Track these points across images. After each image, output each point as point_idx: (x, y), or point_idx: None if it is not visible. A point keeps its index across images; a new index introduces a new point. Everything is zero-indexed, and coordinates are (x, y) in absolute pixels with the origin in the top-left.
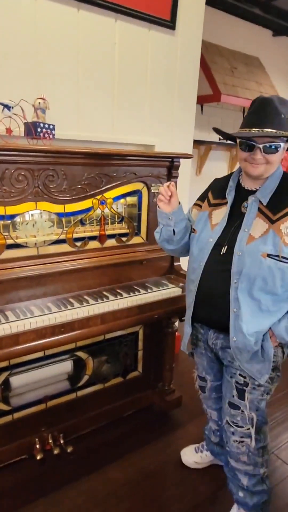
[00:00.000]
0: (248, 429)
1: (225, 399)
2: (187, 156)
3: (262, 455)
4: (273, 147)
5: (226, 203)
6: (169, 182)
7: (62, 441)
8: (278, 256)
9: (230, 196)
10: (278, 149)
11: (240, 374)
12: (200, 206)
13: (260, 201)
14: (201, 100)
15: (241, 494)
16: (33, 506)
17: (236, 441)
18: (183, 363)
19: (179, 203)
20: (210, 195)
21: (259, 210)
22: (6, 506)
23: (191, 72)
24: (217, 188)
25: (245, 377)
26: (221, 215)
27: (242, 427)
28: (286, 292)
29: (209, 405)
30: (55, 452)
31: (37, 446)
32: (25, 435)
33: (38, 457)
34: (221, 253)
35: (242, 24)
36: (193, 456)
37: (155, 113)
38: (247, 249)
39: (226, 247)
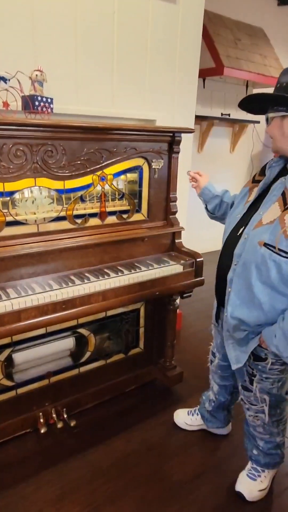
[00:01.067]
0: (262, 407)
1: (239, 382)
2: (188, 131)
3: (277, 426)
4: (267, 118)
5: None
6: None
7: (65, 416)
8: (274, 247)
9: (269, 171)
10: (271, 121)
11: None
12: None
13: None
14: (203, 74)
15: (255, 452)
16: (38, 477)
17: (251, 415)
18: (185, 340)
19: (207, 182)
20: (258, 171)
21: (283, 194)
22: (11, 478)
23: (193, 44)
24: (268, 163)
25: (253, 369)
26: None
27: (255, 405)
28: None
29: (214, 379)
30: (59, 426)
31: (41, 420)
32: (29, 410)
33: (42, 431)
34: (238, 233)
35: None
36: (184, 417)
37: (155, 86)
38: (252, 233)
39: (244, 227)
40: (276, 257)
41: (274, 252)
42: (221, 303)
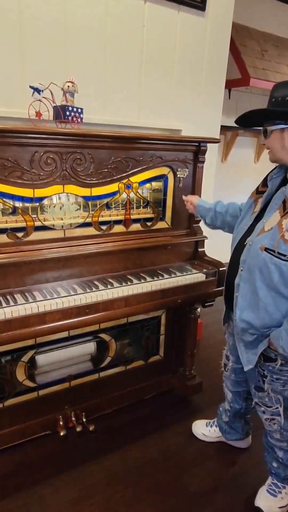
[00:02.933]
0: (277, 408)
1: (251, 384)
2: (214, 141)
3: None
4: (266, 132)
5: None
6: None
7: (84, 419)
8: (274, 251)
9: (270, 183)
10: (270, 134)
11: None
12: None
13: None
14: (229, 85)
15: (275, 464)
16: (56, 479)
17: (268, 419)
18: (205, 351)
19: (198, 200)
20: (261, 182)
21: (283, 202)
22: (30, 479)
23: (220, 55)
24: (269, 176)
25: (264, 370)
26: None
27: (270, 406)
28: None
29: (227, 385)
30: (78, 429)
31: (61, 423)
32: (49, 412)
33: (62, 433)
34: (245, 242)
35: (274, 4)
36: (202, 428)
37: (182, 97)
38: (255, 240)
39: (250, 235)
40: (276, 260)
41: (274, 256)
42: (230, 307)
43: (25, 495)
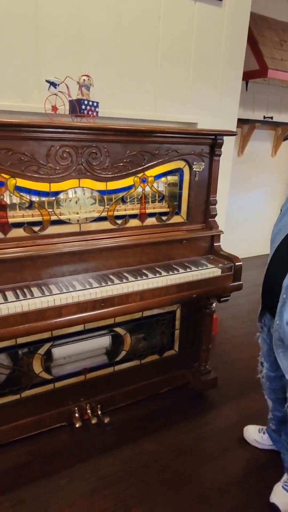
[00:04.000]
0: None
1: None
2: (231, 133)
3: None
4: None
5: None
6: None
7: (99, 412)
8: None
9: None
10: None
11: None
12: None
13: None
14: (246, 77)
15: None
16: (70, 470)
17: None
18: (220, 346)
19: None
20: None
21: None
22: (46, 469)
23: (238, 46)
24: None
25: None
26: None
27: None
28: None
29: (266, 393)
30: (93, 421)
31: (76, 415)
32: (65, 404)
33: (77, 425)
34: None
35: None
36: (255, 434)
37: (198, 90)
38: None
39: None
40: None
41: None
42: (268, 307)
43: (40, 484)
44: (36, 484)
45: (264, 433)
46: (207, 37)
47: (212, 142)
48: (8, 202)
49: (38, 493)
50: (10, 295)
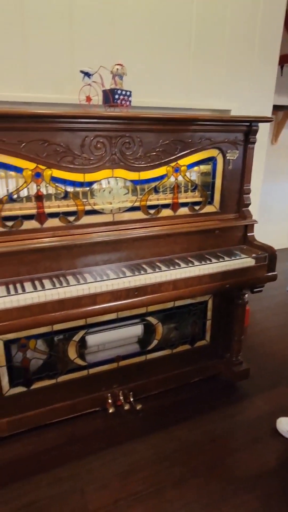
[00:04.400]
0: None
1: None
2: (266, 120)
3: None
4: None
5: None
6: None
7: (132, 399)
8: None
9: None
10: None
11: None
12: None
13: None
14: (282, 61)
15: None
16: (103, 453)
17: None
18: (252, 337)
19: None
20: None
21: None
22: (80, 451)
23: (274, 29)
24: None
25: None
26: None
27: None
28: None
29: None
30: (125, 408)
31: (109, 401)
32: (98, 390)
33: (110, 411)
34: None
35: None
36: (287, 425)
37: (232, 76)
38: None
39: None
40: None
41: None
42: None
43: (76, 465)
44: (72, 464)
45: None
46: (242, 21)
47: (247, 129)
48: (44, 192)
49: (74, 473)
50: (47, 283)
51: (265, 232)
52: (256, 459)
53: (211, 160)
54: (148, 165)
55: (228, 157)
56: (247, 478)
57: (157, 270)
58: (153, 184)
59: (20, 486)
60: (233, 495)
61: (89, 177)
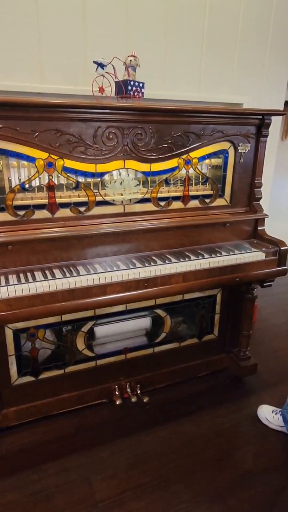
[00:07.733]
0: None
1: None
2: (279, 113)
3: None
4: None
5: None
6: None
7: (139, 391)
8: None
9: None
10: None
11: None
12: None
13: None
14: None
15: None
16: (110, 444)
17: None
18: (259, 333)
19: None
20: None
21: None
22: (87, 442)
23: (287, 24)
24: None
25: None
26: None
27: None
28: None
29: None
30: (133, 400)
31: (116, 393)
32: (106, 381)
33: (117, 402)
34: None
35: None
36: (267, 413)
37: (244, 70)
38: None
39: None
40: None
41: None
42: None
43: (83, 455)
44: (79, 454)
45: (276, 413)
46: (255, 13)
47: (259, 122)
48: (56, 182)
49: (81, 463)
50: (57, 272)
51: (275, 227)
52: (263, 454)
53: (222, 153)
54: (160, 156)
55: (239, 150)
56: (254, 473)
57: (167, 262)
58: (164, 176)
59: (29, 474)
60: (240, 489)
61: (100, 167)
